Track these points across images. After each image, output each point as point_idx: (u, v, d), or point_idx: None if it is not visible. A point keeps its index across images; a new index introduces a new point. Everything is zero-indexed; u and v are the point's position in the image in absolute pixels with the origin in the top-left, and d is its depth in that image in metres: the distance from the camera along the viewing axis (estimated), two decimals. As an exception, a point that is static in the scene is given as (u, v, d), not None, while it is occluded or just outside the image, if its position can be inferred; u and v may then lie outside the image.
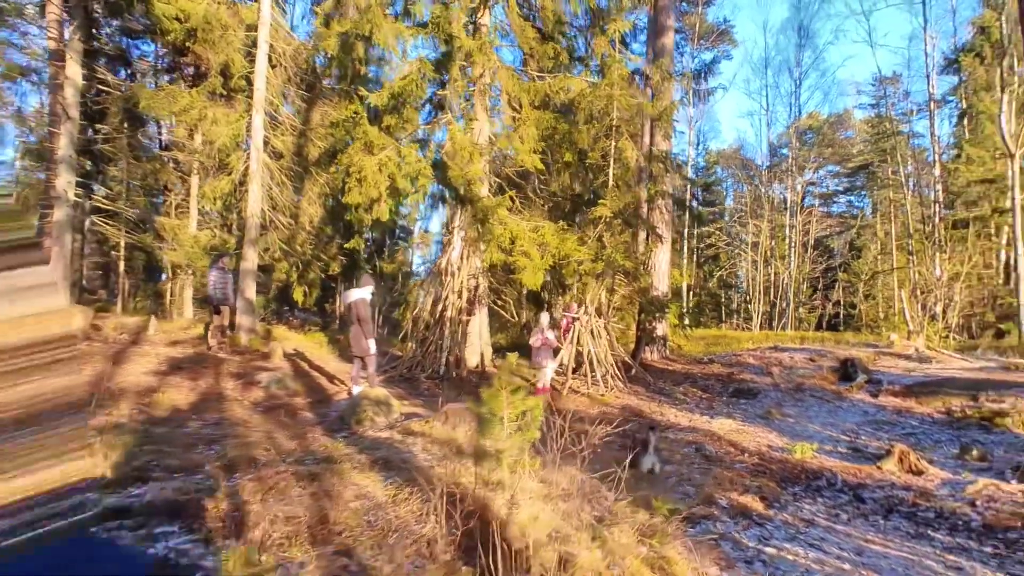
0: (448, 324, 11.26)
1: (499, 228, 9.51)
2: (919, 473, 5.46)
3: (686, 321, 18.98)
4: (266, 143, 13.54)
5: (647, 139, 11.89)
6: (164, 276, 18.45)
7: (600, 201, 10.08)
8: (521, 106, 10.89)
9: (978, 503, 4.71)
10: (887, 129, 29.90)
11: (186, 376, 7.43)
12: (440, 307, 11.48)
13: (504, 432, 3.49)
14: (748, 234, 30.47)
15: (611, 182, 10.31)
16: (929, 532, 4.32)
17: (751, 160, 35.71)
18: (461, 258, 11.77)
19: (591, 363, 9.78)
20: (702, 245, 32.50)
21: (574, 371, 10.08)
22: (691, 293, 30.17)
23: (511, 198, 12.32)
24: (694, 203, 27.06)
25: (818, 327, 28.03)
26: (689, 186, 28.84)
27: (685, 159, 29.98)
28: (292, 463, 4.14)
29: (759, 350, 13.00)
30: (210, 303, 10.39)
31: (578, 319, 9.82)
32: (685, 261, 26.59)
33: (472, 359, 11.86)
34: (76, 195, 14.10)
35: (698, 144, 34.84)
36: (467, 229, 10.55)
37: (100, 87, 16.30)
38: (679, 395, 9.27)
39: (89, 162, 15.99)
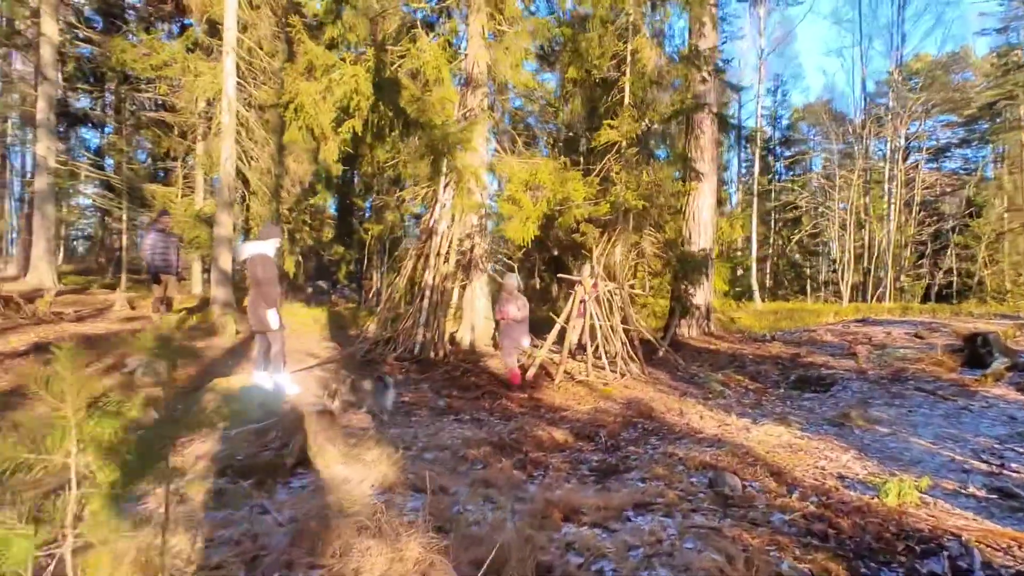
0: (429, 293, 9.18)
1: (468, 166, 7.20)
2: None
3: (754, 287, 15.80)
4: (243, 93, 11.97)
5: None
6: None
7: (606, 122, 7.46)
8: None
9: None
10: (1018, 60, 24.38)
11: (41, 358, 5.82)
12: (423, 273, 9.44)
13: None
14: (836, 188, 25.86)
15: (626, 98, 7.59)
16: None
17: (842, 113, 30.48)
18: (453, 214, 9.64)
19: (597, 340, 7.33)
20: (778, 204, 28.16)
21: (581, 349, 7.67)
22: (768, 262, 26.36)
23: (513, 138, 9.92)
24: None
25: (924, 299, 23.42)
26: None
27: (754, 107, 25.98)
28: None
29: (842, 324, 9.88)
30: (149, 271, 8.88)
31: (580, 283, 7.36)
32: (755, 221, 22.66)
33: (465, 337, 9.81)
34: (60, 163, 13.17)
35: (776, 91, 30.37)
36: (421, 167, 8.32)
37: (92, 46, 15.40)
38: (715, 385, 6.61)
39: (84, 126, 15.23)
